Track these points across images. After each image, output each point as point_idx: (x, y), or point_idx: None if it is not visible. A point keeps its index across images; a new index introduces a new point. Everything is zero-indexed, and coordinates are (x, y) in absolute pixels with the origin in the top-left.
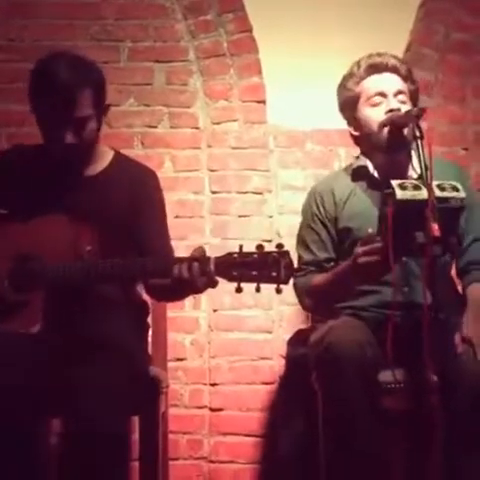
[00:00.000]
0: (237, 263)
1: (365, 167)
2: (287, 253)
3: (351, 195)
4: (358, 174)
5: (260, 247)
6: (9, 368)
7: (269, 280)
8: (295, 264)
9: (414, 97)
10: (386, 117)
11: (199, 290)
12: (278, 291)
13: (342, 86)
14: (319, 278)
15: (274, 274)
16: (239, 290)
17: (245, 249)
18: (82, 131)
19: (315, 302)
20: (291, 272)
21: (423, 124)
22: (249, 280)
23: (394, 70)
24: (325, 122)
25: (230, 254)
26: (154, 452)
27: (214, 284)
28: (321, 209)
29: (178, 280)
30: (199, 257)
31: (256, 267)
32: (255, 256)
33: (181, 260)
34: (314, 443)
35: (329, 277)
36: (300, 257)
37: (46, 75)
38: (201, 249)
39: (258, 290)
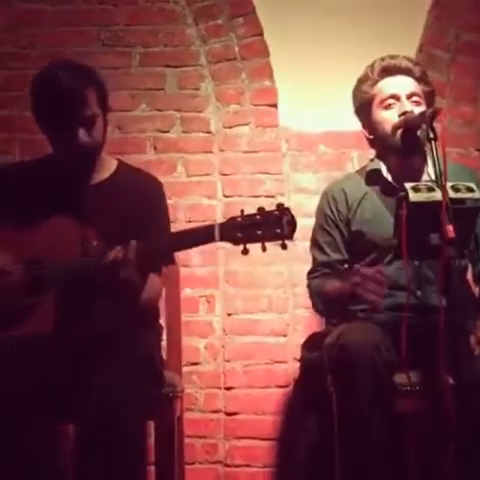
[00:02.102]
0: (241, 225)
1: (379, 170)
2: (288, 209)
3: (364, 199)
4: (372, 177)
5: (261, 208)
6: (23, 370)
7: (274, 237)
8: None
9: (429, 98)
10: (399, 119)
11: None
12: (283, 247)
13: (357, 89)
14: (330, 286)
15: (278, 231)
16: (245, 252)
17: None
18: (92, 130)
19: (326, 307)
20: (294, 227)
21: (437, 125)
22: (254, 240)
23: (408, 72)
24: (337, 124)
25: (233, 218)
26: (170, 456)
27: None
28: (334, 211)
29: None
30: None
31: (260, 227)
32: (258, 217)
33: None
34: (329, 446)
35: (339, 287)
36: (314, 258)
37: (48, 83)
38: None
39: (264, 249)
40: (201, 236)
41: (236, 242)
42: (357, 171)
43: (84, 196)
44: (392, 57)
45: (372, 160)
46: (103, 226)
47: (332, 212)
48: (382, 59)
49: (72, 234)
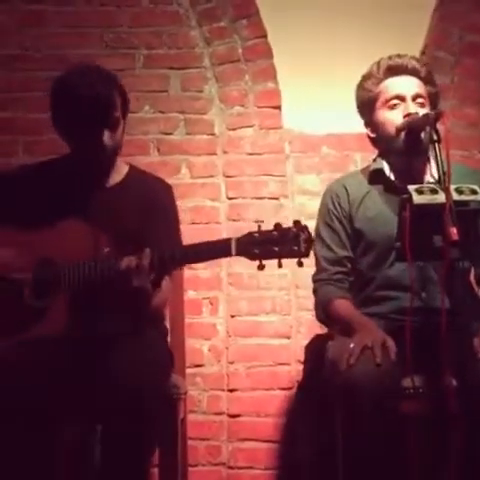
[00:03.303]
0: (258, 241)
1: (381, 170)
2: (306, 227)
3: (366, 197)
4: (374, 177)
5: (278, 225)
6: (28, 373)
7: (290, 254)
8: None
9: (434, 100)
10: (403, 121)
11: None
12: (300, 264)
13: (360, 86)
14: (338, 308)
15: (295, 248)
16: (261, 267)
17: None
18: (115, 133)
19: (329, 322)
20: (311, 245)
21: (440, 127)
22: (271, 256)
23: (414, 72)
24: (340, 127)
25: (250, 233)
26: (173, 458)
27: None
28: (337, 207)
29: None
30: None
31: (277, 243)
32: (275, 233)
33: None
34: (332, 448)
35: (345, 317)
36: (319, 257)
37: (77, 85)
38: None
39: (280, 266)
40: (217, 250)
41: (252, 257)
42: (361, 170)
43: (96, 199)
44: (399, 56)
45: (375, 160)
46: (114, 230)
47: (335, 208)
48: (389, 57)
49: (84, 238)
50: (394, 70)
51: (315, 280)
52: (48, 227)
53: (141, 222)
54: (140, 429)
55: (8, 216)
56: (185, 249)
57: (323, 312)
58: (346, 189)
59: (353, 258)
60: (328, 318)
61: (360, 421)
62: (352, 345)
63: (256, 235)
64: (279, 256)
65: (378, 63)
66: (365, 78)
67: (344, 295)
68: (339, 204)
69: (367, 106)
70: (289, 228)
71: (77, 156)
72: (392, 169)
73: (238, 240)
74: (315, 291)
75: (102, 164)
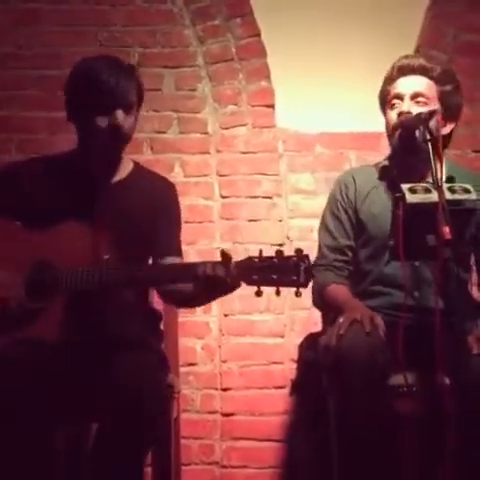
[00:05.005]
0: (257, 267)
1: (389, 167)
2: (307, 257)
3: (373, 191)
4: (383, 173)
5: (279, 252)
6: (29, 375)
7: (289, 284)
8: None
9: (448, 98)
10: (396, 120)
11: (227, 289)
12: (298, 294)
13: (380, 89)
14: (334, 292)
15: (294, 278)
16: (259, 294)
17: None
18: (127, 119)
19: (324, 307)
20: (310, 275)
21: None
22: (269, 284)
23: (422, 72)
24: (334, 125)
25: (250, 258)
26: (166, 457)
27: (238, 285)
28: (345, 197)
29: (204, 281)
30: (222, 259)
31: (276, 271)
32: (275, 260)
33: (204, 263)
34: (326, 446)
35: (340, 301)
36: (322, 243)
37: (100, 66)
38: (225, 252)
39: (278, 293)
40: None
41: (250, 283)
42: (374, 164)
43: (101, 195)
44: (407, 57)
45: (386, 158)
46: (116, 226)
47: (343, 198)
48: (398, 59)
49: (84, 243)
50: (402, 70)
51: (314, 266)
52: (49, 225)
53: (144, 221)
54: (139, 430)
55: (10, 212)
56: (183, 267)
57: (319, 297)
58: (354, 181)
59: (355, 247)
60: (324, 303)
61: (350, 393)
62: (341, 319)
63: (256, 260)
64: (277, 284)
65: (393, 65)
66: (384, 81)
67: (342, 282)
68: (347, 195)
69: (383, 107)
70: (290, 257)
71: (88, 141)
72: (396, 167)
73: (237, 264)
74: (313, 276)
75: (110, 156)
